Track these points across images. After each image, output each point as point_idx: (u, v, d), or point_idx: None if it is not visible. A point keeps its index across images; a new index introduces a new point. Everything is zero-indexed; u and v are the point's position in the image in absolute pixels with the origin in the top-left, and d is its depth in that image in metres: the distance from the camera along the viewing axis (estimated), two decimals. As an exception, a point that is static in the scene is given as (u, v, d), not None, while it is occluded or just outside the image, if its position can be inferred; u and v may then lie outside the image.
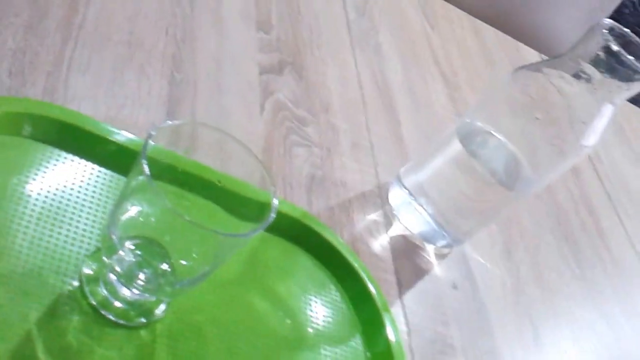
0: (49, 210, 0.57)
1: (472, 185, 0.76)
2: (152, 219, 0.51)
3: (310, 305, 0.66)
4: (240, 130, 0.77)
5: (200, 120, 0.74)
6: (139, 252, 0.53)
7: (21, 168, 0.58)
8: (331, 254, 0.70)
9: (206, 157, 0.53)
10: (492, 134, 0.73)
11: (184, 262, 0.53)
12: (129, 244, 0.52)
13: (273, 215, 0.50)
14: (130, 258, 0.52)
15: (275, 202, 0.51)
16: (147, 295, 0.55)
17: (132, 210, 0.51)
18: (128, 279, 0.53)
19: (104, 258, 0.53)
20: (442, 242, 0.82)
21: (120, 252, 0.51)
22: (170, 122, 0.51)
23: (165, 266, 0.53)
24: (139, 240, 0.53)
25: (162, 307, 0.57)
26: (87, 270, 0.55)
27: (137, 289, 0.53)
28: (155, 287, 0.53)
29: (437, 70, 1.13)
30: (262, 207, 0.51)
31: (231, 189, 0.54)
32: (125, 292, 0.54)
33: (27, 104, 0.61)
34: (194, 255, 0.53)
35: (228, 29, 0.88)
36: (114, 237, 0.51)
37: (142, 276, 0.52)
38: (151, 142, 0.47)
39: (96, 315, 0.53)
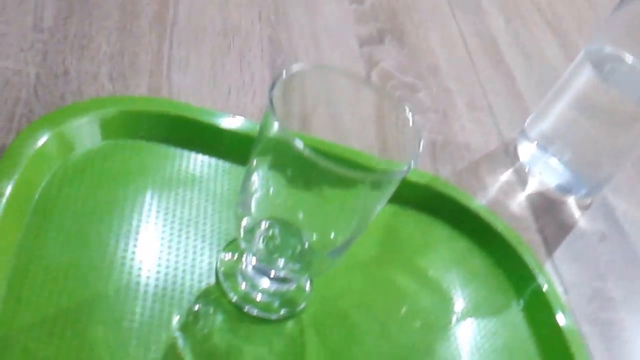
0: (175, 210, 0.54)
1: (606, 120, 0.69)
2: (282, 198, 0.47)
3: (456, 277, 0.61)
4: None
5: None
6: (272, 235, 0.49)
7: (143, 169, 0.56)
8: (470, 219, 0.64)
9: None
10: (625, 57, 0.66)
11: (321, 237, 0.49)
12: (261, 229, 0.49)
13: (420, 149, 0.45)
14: (263, 244, 0.48)
15: (421, 139, 0.45)
16: (288, 283, 0.51)
17: (260, 192, 0.47)
18: (267, 265, 0.49)
19: (242, 244, 0.49)
20: (581, 192, 0.75)
21: (255, 238, 0.48)
22: (298, 67, 0.47)
23: (302, 245, 0.49)
24: (270, 222, 0.50)
25: (305, 295, 0.53)
26: (222, 267, 0.52)
27: (277, 276, 0.49)
28: (295, 269, 0.49)
29: (540, 18, 1.06)
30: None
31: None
32: (264, 283, 0.50)
33: (142, 102, 0.58)
34: (331, 227, 0.48)
35: (320, 5, 0.84)
36: (245, 222, 0.47)
37: (280, 261, 0.49)
38: (278, 86, 0.43)
39: (239, 312, 0.50)
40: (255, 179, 0.46)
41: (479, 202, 0.66)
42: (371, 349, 0.52)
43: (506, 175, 0.75)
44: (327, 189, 0.44)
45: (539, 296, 0.61)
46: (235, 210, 0.48)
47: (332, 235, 0.48)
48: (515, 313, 0.61)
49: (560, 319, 0.59)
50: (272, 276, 0.50)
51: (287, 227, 0.49)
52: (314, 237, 0.49)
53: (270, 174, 0.45)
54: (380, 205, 0.45)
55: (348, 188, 0.44)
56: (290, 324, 0.51)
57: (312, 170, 0.41)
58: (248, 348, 0.49)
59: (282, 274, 0.49)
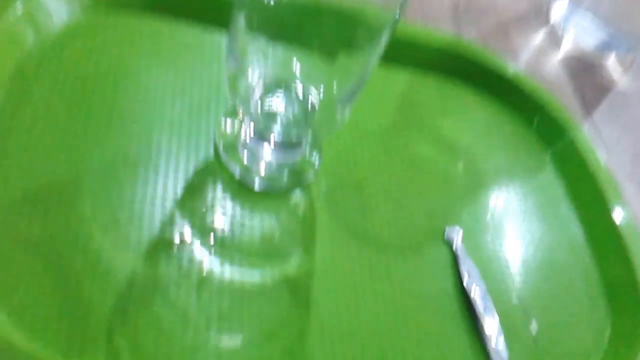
0: (166, 82, 0.50)
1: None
2: (274, 52, 0.42)
3: (484, 143, 0.56)
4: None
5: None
6: (269, 96, 0.44)
7: (130, 43, 0.51)
8: (499, 82, 0.59)
9: None
10: None
11: (321, 91, 0.44)
12: (257, 91, 0.44)
13: None
14: (259, 106, 0.44)
15: None
16: (292, 151, 0.47)
17: (249, 48, 0.42)
18: (265, 129, 0.44)
19: (238, 108, 0.44)
20: (620, 49, 0.68)
21: (251, 101, 0.43)
22: None
23: (302, 104, 0.44)
24: (266, 84, 0.45)
25: (314, 166, 0.49)
26: (221, 139, 0.48)
27: (278, 142, 0.45)
28: (296, 131, 0.45)
29: None
30: None
31: None
32: (266, 152, 0.46)
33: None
34: (330, 78, 0.43)
35: None
36: (241, 87, 0.43)
37: (279, 124, 0.44)
38: None
39: (241, 186, 0.46)
40: (242, 34, 0.41)
41: (508, 64, 0.60)
42: (387, 220, 0.48)
43: (538, 37, 0.68)
44: (321, 37, 0.39)
45: (576, 159, 0.55)
46: (225, 70, 0.43)
47: (334, 88, 0.43)
48: (550, 176, 0.56)
49: (600, 178, 0.54)
50: (272, 143, 0.45)
51: (285, 88, 0.44)
52: (313, 93, 0.44)
53: (257, 26, 0.40)
54: (381, 45, 0.40)
55: (344, 31, 0.38)
56: (298, 197, 0.47)
57: (303, 15, 0.36)
58: (252, 223, 0.45)
59: (282, 138, 0.45)
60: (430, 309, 0.45)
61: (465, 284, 0.46)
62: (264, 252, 0.44)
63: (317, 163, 0.49)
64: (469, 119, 0.57)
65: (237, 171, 0.46)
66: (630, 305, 0.49)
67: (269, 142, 0.46)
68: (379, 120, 0.54)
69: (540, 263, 0.50)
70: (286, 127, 0.44)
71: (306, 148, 0.48)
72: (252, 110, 0.44)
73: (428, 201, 0.50)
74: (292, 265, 0.44)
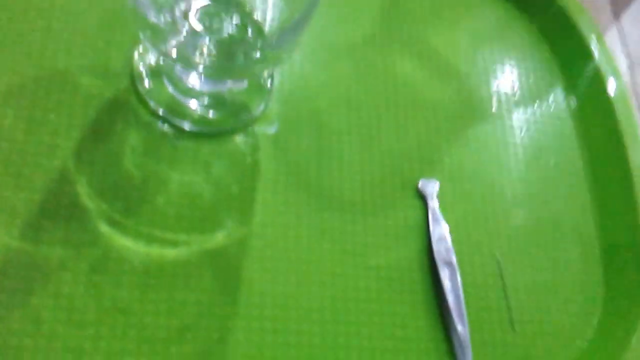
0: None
1: None
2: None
3: (483, 63, 0.45)
4: None
5: None
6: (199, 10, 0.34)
7: None
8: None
9: None
10: None
11: (261, 13, 0.34)
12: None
13: None
14: (186, 22, 0.33)
15: None
16: (230, 78, 0.37)
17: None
18: (193, 49, 0.34)
19: (158, 18, 0.34)
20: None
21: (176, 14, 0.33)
22: None
23: (237, 23, 0.34)
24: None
25: (262, 100, 0.39)
26: (140, 63, 0.37)
27: (211, 65, 0.35)
28: (235, 52, 0.34)
29: None
30: None
31: None
32: (196, 81, 0.36)
33: None
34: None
35: None
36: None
37: (207, 47, 0.34)
38: None
39: (165, 126, 0.36)
40: None
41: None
42: (350, 168, 0.39)
43: None
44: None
45: (590, 73, 0.45)
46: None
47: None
48: (564, 96, 0.46)
49: (617, 99, 0.44)
50: (202, 69, 0.35)
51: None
52: (256, 12, 0.34)
53: None
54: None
55: None
56: (238, 141, 0.37)
57: None
58: (178, 177, 0.36)
59: (215, 63, 0.34)
60: (392, 279, 0.37)
61: (435, 251, 0.38)
62: (190, 215, 0.35)
63: (264, 96, 0.39)
64: (466, 30, 0.46)
65: (159, 107, 0.36)
66: (628, 272, 0.40)
67: (198, 69, 0.35)
68: (353, 33, 0.43)
69: (534, 228, 0.41)
70: (220, 49, 0.34)
71: (250, 77, 0.38)
72: (178, 26, 0.34)
73: (404, 143, 0.41)
74: (228, 230, 0.35)
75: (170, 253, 0.34)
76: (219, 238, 0.35)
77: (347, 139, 0.39)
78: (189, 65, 0.34)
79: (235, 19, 0.34)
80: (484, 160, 0.42)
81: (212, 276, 0.34)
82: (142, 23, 0.31)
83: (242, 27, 0.35)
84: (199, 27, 0.34)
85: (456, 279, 0.37)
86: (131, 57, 0.37)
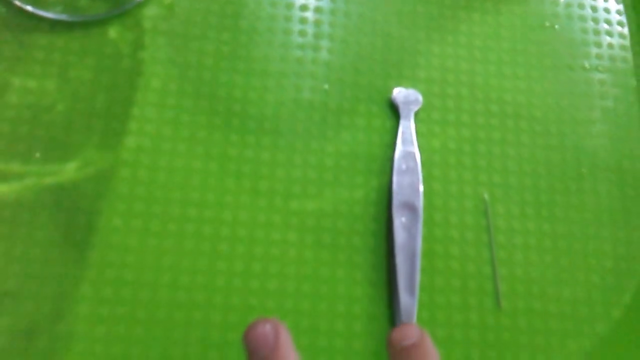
0: None
1: None
2: None
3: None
4: None
5: None
6: None
7: None
8: None
9: None
10: None
11: None
12: None
13: None
14: None
15: None
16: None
17: None
18: None
19: None
20: None
21: None
22: None
23: None
24: None
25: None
26: None
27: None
28: None
29: None
30: None
31: None
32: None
33: None
34: None
35: None
36: None
37: None
38: None
39: (24, 16, 0.26)
40: None
41: None
42: (294, 57, 0.28)
43: None
44: None
45: None
46: None
47: None
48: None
49: None
50: None
51: None
52: None
53: None
54: None
55: None
56: (114, 32, 0.27)
57: None
58: (20, 80, 0.26)
59: None
60: (325, 228, 0.26)
61: (394, 190, 0.26)
62: (30, 135, 0.25)
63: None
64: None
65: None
66: None
67: None
68: None
69: (540, 164, 0.29)
70: None
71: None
72: None
73: (372, 38, 0.29)
74: (84, 158, 0.25)
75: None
76: (69, 169, 0.25)
77: (274, 24, 0.28)
78: None
79: None
80: (484, 63, 0.30)
81: (53, 222, 0.24)
82: None
83: None
84: None
85: (416, 229, 0.26)
86: None
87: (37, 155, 0.25)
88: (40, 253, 0.24)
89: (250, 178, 0.26)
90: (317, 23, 0.29)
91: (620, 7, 0.32)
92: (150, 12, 0.27)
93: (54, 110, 0.25)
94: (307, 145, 0.27)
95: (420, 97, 0.28)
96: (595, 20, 0.31)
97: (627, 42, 0.31)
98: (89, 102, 0.26)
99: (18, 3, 0.26)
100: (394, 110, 0.28)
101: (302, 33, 0.28)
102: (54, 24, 0.26)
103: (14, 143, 0.25)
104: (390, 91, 0.28)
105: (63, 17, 0.26)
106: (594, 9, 0.32)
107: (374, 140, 0.28)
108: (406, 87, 0.28)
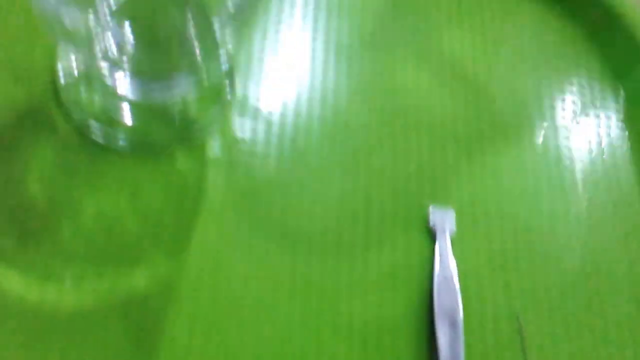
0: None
1: None
2: None
3: (511, 71, 0.36)
4: None
5: None
6: None
7: None
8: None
9: None
10: None
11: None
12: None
13: None
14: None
15: None
16: (169, 82, 0.29)
17: None
18: (122, 49, 0.27)
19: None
20: None
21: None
22: None
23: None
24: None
25: (214, 118, 0.31)
26: (63, 64, 0.31)
27: (135, 64, 0.28)
28: (160, 48, 0.27)
29: None
30: None
31: None
32: (124, 84, 0.29)
33: None
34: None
35: None
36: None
37: (133, 39, 0.27)
38: None
39: (91, 144, 0.29)
40: None
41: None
42: (341, 188, 0.30)
43: None
44: None
45: None
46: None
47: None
48: (623, 115, 0.36)
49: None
50: (130, 69, 0.28)
51: None
52: None
53: None
54: None
55: None
56: (182, 161, 0.30)
57: None
58: (95, 200, 0.28)
59: (146, 63, 0.27)
60: (370, 339, 0.28)
61: (435, 303, 0.28)
62: (104, 248, 0.27)
63: (220, 109, 0.31)
64: (491, 34, 0.37)
65: (84, 117, 0.29)
66: None
67: (123, 65, 0.28)
68: (344, 32, 0.35)
69: (573, 283, 0.31)
70: (147, 38, 0.27)
71: (195, 78, 0.31)
72: (102, 16, 0.27)
73: (407, 164, 0.32)
74: (152, 269, 0.27)
75: (69, 298, 0.26)
76: (139, 279, 0.27)
77: (327, 158, 0.31)
78: (115, 62, 0.27)
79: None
80: (511, 190, 0.33)
81: (124, 330, 0.26)
82: (57, 29, 0.24)
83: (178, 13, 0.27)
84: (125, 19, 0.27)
85: (458, 340, 0.28)
86: (54, 57, 0.30)
87: (109, 270, 0.27)
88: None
89: (302, 293, 0.28)
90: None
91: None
92: (214, 143, 0.30)
93: (125, 226, 0.28)
94: (351, 261, 0.29)
95: (453, 213, 0.31)
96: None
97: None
98: (157, 219, 0.28)
99: (100, 138, 0.29)
100: (428, 227, 0.31)
101: (341, 163, 0.32)
102: (124, 155, 0.29)
103: (88, 255, 0.27)
104: (425, 208, 0.31)
105: (134, 146, 0.29)
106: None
107: (412, 257, 0.30)
108: (440, 205, 0.31)
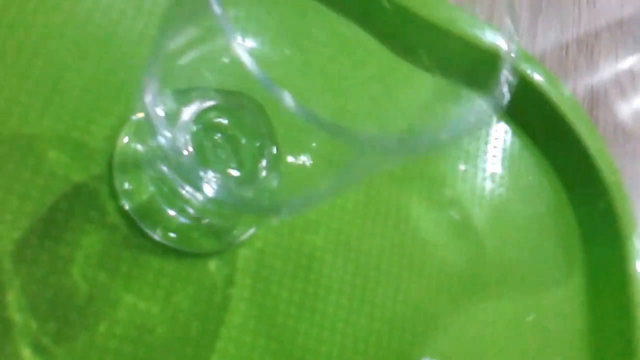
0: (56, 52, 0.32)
1: None
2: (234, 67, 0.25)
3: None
4: None
5: None
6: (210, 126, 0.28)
7: None
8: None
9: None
10: None
11: (292, 159, 0.28)
12: (187, 113, 0.27)
13: (511, 78, 0.22)
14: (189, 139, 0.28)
15: (513, 49, 0.22)
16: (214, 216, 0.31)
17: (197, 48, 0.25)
18: (183, 180, 0.28)
19: (156, 133, 0.28)
20: None
21: (179, 127, 0.27)
22: None
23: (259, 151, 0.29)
24: (211, 104, 0.28)
25: (249, 228, 0.33)
26: (123, 150, 0.31)
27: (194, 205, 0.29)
28: (231, 202, 0.28)
29: None
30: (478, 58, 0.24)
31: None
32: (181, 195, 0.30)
33: None
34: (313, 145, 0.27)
35: None
36: (160, 99, 0.26)
37: (209, 179, 0.28)
38: None
39: (136, 234, 0.30)
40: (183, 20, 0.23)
41: (568, 93, 0.42)
42: (346, 320, 0.33)
43: (636, 58, 0.50)
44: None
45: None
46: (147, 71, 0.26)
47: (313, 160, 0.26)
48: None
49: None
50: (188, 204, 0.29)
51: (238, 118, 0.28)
52: (285, 156, 0.28)
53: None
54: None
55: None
56: (214, 266, 0.31)
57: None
58: (132, 299, 0.29)
59: (199, 200, 0.28)
60: None
61: None
62: (133, 354, 0.29)
63: (256, 220, 0.33)
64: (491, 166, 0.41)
65: (133, 207, 0.30)
66: None
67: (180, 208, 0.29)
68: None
69: None
70: (218, 188, 0.28)
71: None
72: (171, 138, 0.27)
73: (404, 307, 0.35)
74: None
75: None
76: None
77: (337, 288, 0.34)
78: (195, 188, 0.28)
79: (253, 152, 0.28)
80: (508, 343, 0.37)
81: None
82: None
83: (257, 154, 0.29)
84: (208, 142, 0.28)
85: None
86: (114, 140, 0.31)
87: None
88: None
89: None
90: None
91: None
92: (244, 252, 0.32)
93: (155, 333, 0.29)
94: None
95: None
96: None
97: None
98: (185, 327, 0.30)
99: (146, 230, 0.30)
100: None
101: (350, 296, 0.34)
102: (167, 250, 0.31)
103: (119, 357, 0.29)
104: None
105: (174, 245, 0.31)
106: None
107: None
108: (431, 357, 0.35)
